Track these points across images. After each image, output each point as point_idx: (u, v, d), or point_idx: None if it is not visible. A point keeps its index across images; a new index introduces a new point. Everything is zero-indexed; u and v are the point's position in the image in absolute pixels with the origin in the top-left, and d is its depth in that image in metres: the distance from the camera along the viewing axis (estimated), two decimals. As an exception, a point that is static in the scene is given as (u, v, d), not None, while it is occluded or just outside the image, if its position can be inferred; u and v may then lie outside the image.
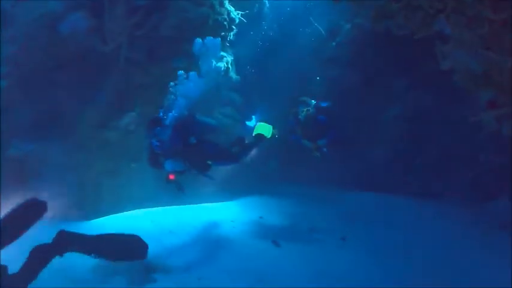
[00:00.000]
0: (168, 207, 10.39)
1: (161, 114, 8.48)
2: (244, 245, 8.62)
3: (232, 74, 11.91)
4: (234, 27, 11.25)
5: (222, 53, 11.41)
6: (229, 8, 11.01)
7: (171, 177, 8.44)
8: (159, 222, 9.48)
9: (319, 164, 11.17)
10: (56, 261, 7.30)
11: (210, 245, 8.56)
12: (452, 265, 7.55)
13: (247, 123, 11.71)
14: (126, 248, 6.85)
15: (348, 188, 11.65)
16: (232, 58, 11.82)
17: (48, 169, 9.24)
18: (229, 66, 11.67)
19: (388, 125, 11.65)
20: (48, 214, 8.66)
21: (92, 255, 6.58)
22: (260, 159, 11.72)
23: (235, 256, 8.09)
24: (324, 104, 10.98)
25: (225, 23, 10.84)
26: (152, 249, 7.91)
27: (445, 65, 5.70)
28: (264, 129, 9.83)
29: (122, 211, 9.99)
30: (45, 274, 6.87)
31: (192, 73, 8.66)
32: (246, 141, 9.72)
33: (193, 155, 8.47)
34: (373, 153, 11.68)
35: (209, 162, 8.73)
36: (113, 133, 9.98)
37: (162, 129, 8.21)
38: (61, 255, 6.36)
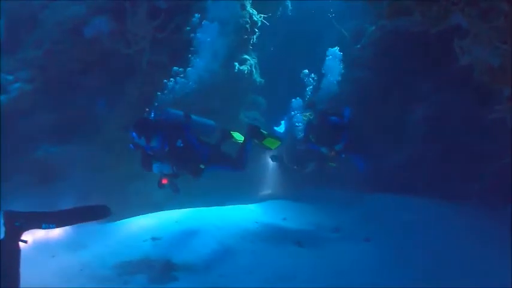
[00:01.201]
0: (193, 208, 10.44)
1: (152, 114, 8.17)
2: (266, 244, 8.63)
3: (256, 77, 11.94)
4: (256, 30, 11.28)
5: (245, 56, 11.48)
6: (251, 11, 11.04)
7: (164, 181, 8.11)
8: (183, 222, 9.53)
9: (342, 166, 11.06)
10: (78, 260, 7.50)
11: (233, 244, 8.59)
12: (473, 268, 7.33)
13: (276, 128, 11.72)
14: (88, 211, 6.63)
15: (373, 190, 11.49)
16: (256, 61, 11.86)
17: (73, 171, 9.34)
18: (253, 69, 11.70)
19: (413, 126, 11.49)
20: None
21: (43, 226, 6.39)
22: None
23: (256, 255, 8.12)
24: (346, 113, 10.62)
25: (247, 25, 10.88)
26: (175, 249, 8.06)
27: (464, 60, 5.64)
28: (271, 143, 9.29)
29: (147, 212, 10.07)
30: (67, 272, 7.04)
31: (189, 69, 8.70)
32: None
33: (181, 158, 7.99)
34: (398, 154, 11.52)
35: (202, 166, 8.25)
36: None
37: (149, 133, 7.85)
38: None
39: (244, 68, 11.25)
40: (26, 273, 6.58)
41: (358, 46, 12.80)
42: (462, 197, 10.07)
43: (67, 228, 8.63)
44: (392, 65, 11.70)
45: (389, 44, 11.76)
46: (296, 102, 11.11)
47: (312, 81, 11.78)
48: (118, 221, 9.61)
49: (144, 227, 9.28)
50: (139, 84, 9.99)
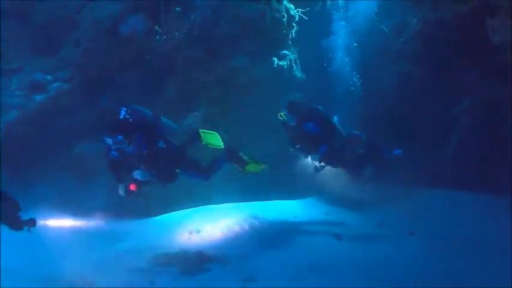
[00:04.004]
0: (232, 203, 10.32)
1: (123, 114, 7.37)
2: (303, 237, 8.47)
3: (297, 73, 11.80)
4: (294, 24, 11.16)
5: (285, 51, 11.36)
6: (288, 5, 10.94)
7: (133, 187, 7.26)
8: (221, 217, 9.42)
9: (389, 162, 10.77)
10: (114, 253, 7.58)
11: (270, 238, 8.45)
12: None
13: None
14: None
15: (422, 185, 11.14)
16: (296, 56, 11.73)
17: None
18: (293, 64, 11.57)
19: (459, 119, 11.10)
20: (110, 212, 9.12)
21: None
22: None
23: (293, 248, 7.97)
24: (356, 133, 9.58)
25: (284, 20, 10.77)
26: (211, 242, 8.02)
27: (496, 39, 5.39)
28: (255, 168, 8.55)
29: (187, 208, 10.06)
30: (106, 264, 7.12)
31: None
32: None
33: (160, 161, 7.35)
34: (444, 148, 11.15)
35: (177, 171, 7.64)
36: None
37: (124, 136, 7.11)
38: None
39: (284, 63, 11.14)
40: (62, 264, 6.80)
41: (401, 39, 12.49)
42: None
43: (106, 222, 8.83)
44: (437, 56, 11.36)
45: (432, 36, 11.43)
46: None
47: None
48: (157, 216, 9.70)
49: (183, 221, 9.28)
50: (178, 80, 10.00)
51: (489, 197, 9.53)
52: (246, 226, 8.93)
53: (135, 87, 9.82)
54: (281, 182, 10.69)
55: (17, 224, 6.67)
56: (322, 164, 9.36)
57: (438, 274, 6.69)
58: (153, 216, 9.71)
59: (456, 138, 11.01)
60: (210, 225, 8.92)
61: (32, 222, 6.84)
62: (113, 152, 7.09)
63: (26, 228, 6.76)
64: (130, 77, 9.78)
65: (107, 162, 7.28)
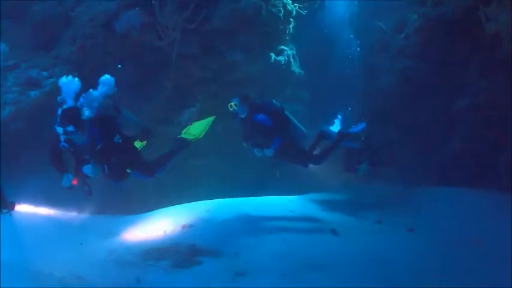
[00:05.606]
0: (227, 199, 10.26)
1: (80, 102, 6.74)
2: (299, 233, 8.35)
3: (295, 68, 11.77)
4: (291, 19, 11.13)
5: (282, 47, 11.33)
6: (285, 0, 10.90)
7: (75, 182, 6.88)
8: (215, 211, 9.36)
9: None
10: (105, 247, 7.55)
11: (264, 232, 8.35)
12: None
13: (331, 128, 11.38)
14: None
15: (422, 182, 11.08)
16: (294, 51, 11.69)
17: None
18: (291, 59, 11.54)
19: (460, 116, 11.00)
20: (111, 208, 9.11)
21: None
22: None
23: (288, 243, 7.83)
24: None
25: (280, 14, 10.75)
26: (203, 236, 7.97)
27: (489, 28, 5.32)
28: (197, 129, 8.13)
29: (180, 203, 10.02)
30: (96, 258, 7.10)
31: None
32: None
33: (114, 157, 6.84)
34: (446, 146, 11.06)
35: (128, 171, 7.18)
36: (174, 128, 9.99)
37: (76, 127, 6.49)
38: None
39: (281, 58, 11.10)
40: (52, 258, 6.77)
41: (402, 36, 12.43)
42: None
43: (98, 217, 8.83)
44: (437, 52, 11.28)
45: (433, 31, 11.35)
46: None
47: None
48: (150, 211, 9.69)
49: (176, 216, 9.20)
50: (173, 76, 9.99)
51: (492, 194, 9.50)
52: (241, 220, 8.85)
53: (131, 83, 9.75)
54: (278, 178, 10.62)
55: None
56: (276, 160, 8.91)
57: (438, 271, 6.60)
58: (146, 212, 9.70)
59: (458, 135, 10.89)
60: (204, 220, 8.85)
61: (11, 206, 6.71)
62: (63, 143, 6.67)
63: (4, 211, 6.64)
64: (126, 73, 9.70)
65: (49, 151, 6.96)
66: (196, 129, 8.14)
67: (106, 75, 7.07)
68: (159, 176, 7.97)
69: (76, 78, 6.78)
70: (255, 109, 8.53)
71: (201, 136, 8.17)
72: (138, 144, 7.73)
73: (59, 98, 6.71)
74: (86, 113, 6.60)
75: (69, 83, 6.75)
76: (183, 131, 8.17)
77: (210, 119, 8.33)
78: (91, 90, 6.93)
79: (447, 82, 11.17)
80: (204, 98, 10.38)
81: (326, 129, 9.45)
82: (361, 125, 9.56)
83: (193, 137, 8.09)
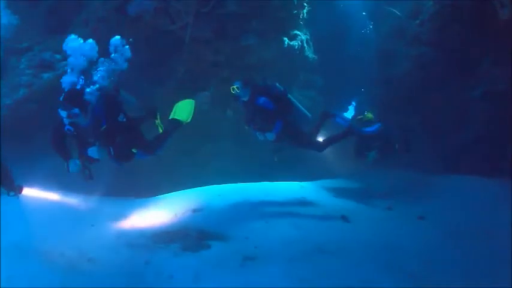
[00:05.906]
0: (239, 183, 10.27)
1: (81, 84, 6.71)
2: (310, 218, 8.34)
3: (309, 53, 11.69)
4: (305, 4, 11.03)
5: (296, 32, 11.25)
6: (298, -15, 10.83)
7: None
8: (226, 196, 9.40)
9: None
10: (116, 229, 7.60)
11: (274, 217, 8.34)
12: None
13: (345, 114, 11.28)
14: None
15: (434, 170, 10.99)
16: (308, 37, 11.60)
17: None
18: (305, 45, 11.45)
19: (475, 103, 10.87)
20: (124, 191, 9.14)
21: None
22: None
23: (298, 228, 7.82)
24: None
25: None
26: (214, 220, 7.97)
27: (503, 14, 5.23)
28: (183, 110, 8.02)
29: (196, 187, 10.04)
30: (107, 240, 7.13)
31: None
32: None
33: (120, 137, 6.78)
34: (460, 133, 10.95)
35: (134, 151, 7.10)
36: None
37: (81, 109, 6.47)
38: None
39: (295, 43, 11.02)
40: (63, 239, 6.82)
41: (417, 22, 12.30)
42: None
43: (110, 200, 8.87)
44: (453, 39, 11.15)
45: (448, 18, 11.21)
46: None
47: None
48: (162, 195, 9.72)
49: (187, 200, 9.24)
50: (186, 60, 9.95)
51: (505, 183, 9.33)
52: (251, 205, 8.87)
53: (143, 66, 9.73)
54: (290, 164, 10.59)
55: (7, 186, 6.64)
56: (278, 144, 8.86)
57: (447, 260, 6.51)
58: (156, 195, 9.73)
59: (472, 123, 10.77)
60: (214, 204, 8.87)
61: (19, 189, 6.81)
62: (68, 126, 6.55)
63: (12, 193, 6.72)
64: (139, 56, 9.67)
65: (51, 136, 6.88)
66: (181, 113, 8.03)
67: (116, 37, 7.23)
68: (159, 153, 7.90)
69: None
70: (257, 92, 8.43)
71: (189, 120, 8.09)
72: (156, 123, 7.77)
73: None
74: (90, 95, 6.57)
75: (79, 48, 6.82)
76: (171, 114, 8.05)
77: (192, 101, 8.20)
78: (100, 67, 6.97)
79: (462, 69, 11.04)
80: (216, 82, 10.33)
81: (338, 117, 9.32)
82: (376, 126, 9.51)
83: (183, 120, 8.04)
